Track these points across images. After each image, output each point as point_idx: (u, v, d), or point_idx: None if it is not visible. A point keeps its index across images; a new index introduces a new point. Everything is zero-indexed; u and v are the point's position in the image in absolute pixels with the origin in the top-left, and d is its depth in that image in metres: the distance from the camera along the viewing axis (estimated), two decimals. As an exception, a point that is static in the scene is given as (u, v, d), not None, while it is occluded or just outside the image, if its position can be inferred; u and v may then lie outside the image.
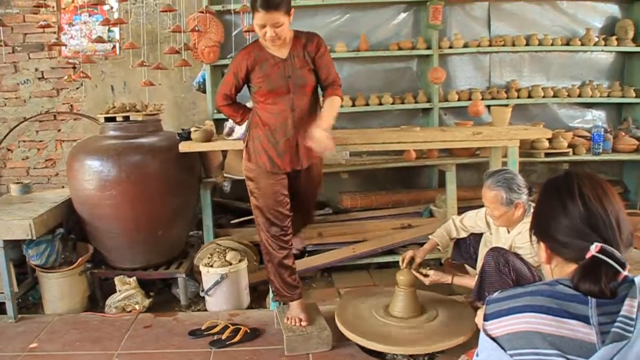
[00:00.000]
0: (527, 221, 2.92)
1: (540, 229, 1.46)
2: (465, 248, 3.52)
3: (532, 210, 1.58)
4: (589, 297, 1.25)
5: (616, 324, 1.21)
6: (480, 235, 3.43)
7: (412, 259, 3.31)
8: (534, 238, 1.49)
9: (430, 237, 3.50)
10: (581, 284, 1.26)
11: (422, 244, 3.52)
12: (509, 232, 3.10)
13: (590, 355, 1.19)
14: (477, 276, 3.01)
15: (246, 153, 3.25)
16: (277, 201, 3.18)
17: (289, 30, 3.05)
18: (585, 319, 1.23)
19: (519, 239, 2.99)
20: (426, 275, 3.24)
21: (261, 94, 3.11)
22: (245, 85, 3.24)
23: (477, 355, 1.39)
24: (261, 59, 3.09)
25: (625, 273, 1.26)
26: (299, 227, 3.70)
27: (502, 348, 1.29)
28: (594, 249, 1.27)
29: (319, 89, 3.28)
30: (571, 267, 1.35)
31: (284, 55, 3.09)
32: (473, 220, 3.41)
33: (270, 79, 3.06)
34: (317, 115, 3.15)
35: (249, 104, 3.38)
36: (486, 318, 1.36)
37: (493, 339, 1.32)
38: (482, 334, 1.36)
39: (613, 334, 1.20)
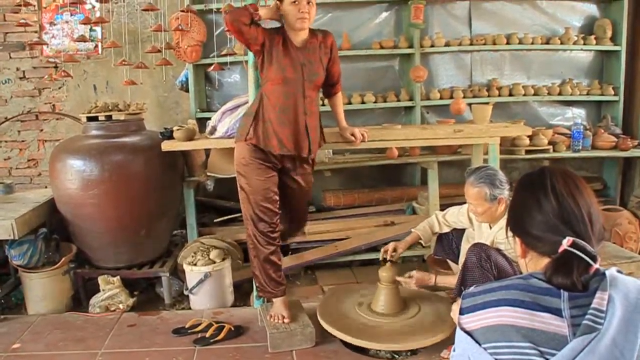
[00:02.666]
0: (508, 217, 2.95)
1: (515, 224, 1.48)
2: (447, 243, 3.54)
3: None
4: (562, 290, 1.27)
5: (587, 316, 1.23)
6: (463, 230, 3.46)
7: (394, 251, 3.34)
8: (509, 233, 1.52)
9: (412, 230, 3.52)
10: (554, 277, 1.29)
11: (404, 241, 3.55)
12: (490, 227, 3.12)
13: (562, 347, 1.22)
14: (459, 272, 3.04)
15: (254, 137, 3.16)
16: (266, 197, 3.20)
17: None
18: (557, 312, 1.25)
19: (501, 234, 2.99)
20: (410, 277, 3.23)
21: (272, 74, 3.14)
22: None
23: (454, 350, 1.41)
24: (281, 40, 3.16)
25: (596, 266, 1.29)
26: (293, 232, 3.87)
27: (477, 342, 1.31)
28: (566, 242, 1.30)
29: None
30: (545, 261, 1.37)
31: (300, 44, 3.19)
32: (455, 216, 3.43)
33: (282, 62, 3.12)
34: (319, 108, 3.35)
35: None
36: (461, 312, 1.38)
37: (468, 333, 1.35)
38: (457, 329, 1.38)
39: (584, 326, 1.22)
